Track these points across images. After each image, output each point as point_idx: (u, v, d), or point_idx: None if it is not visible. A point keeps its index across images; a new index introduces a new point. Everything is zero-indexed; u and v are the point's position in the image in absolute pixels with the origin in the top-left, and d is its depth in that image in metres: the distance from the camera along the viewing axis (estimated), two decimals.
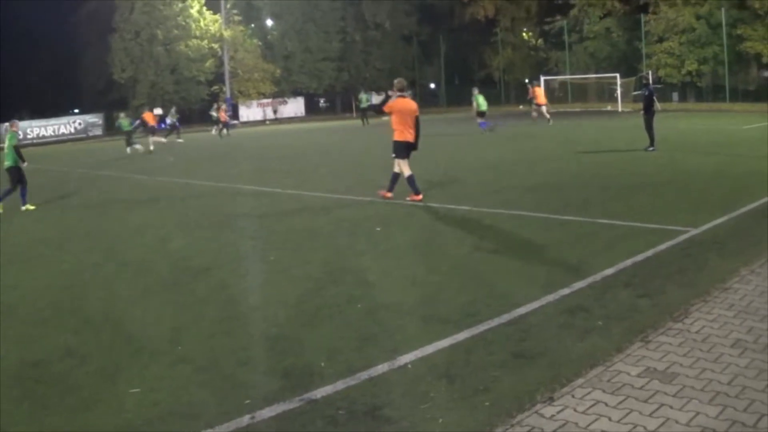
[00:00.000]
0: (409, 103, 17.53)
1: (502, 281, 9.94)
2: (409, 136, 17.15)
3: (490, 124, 40.62)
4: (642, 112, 26.90)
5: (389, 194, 17.57)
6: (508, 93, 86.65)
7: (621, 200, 16.02)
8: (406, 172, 17.22)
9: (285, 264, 11.75)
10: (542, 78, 68.12)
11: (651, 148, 25.56)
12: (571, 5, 74.89)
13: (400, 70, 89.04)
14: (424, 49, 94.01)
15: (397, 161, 17.35)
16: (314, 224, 15.28)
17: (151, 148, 43.42)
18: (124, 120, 45.46)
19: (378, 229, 14.14)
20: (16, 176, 20.81)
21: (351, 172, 24.70)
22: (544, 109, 48.07)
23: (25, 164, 21.12)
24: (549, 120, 46.31)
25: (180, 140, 53.66)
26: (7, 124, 22.65)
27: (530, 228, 13.40)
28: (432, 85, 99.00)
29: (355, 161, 28.62)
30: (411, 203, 16.93)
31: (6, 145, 20.99)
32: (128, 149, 42.35)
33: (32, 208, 20.73)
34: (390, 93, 18.01)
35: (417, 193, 17.20)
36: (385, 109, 17.36)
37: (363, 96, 64.65)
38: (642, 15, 68.60)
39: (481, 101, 41.09)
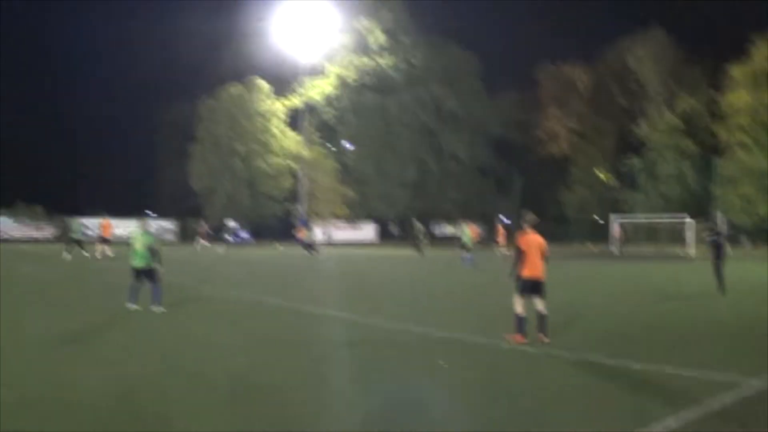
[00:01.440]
0: (538, 238, 16.99)
1: (560, 427, 9.77)
2: (538, 273, 16.59)
3: (471, 260, 42.48)
4: (712, 258, 26.72)
5: (522, 339, 16.31)
6: (581, 231, 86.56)
7: (690, 348, 15.69)
8: (519, 309, 16.40)
9: (349, 393, 11.72)
10: (612, 217, 68.15)
11: (721, 295, 25.31)
12: (646, 145, 75.24)
13: (474, 202, 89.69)
14: (499, 183, 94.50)
15: (516, 297, 16.57)
16: (380, 355, 15.21)
17: (98, 256, 45.06)
18: (76, 224, 46.72)
19: (442, 363, 14.00)
20: (151, 276, 21.01)
21: (417, 301, 24.64)
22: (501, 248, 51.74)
23: (162, 269, 21.28)
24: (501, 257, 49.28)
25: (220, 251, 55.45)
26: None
27: (593, 374, 13.19)
28: (506, 220, 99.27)
29: (427, 292, 28.48)
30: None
31: (143, 245, 21.04)
32: (65, 254, 43.60)
33: (163, 310, 20.73)
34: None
35: (521, 333, 16.33)
36: (520, 245, 16.67)
37: (417, 224, 62.78)
38: (715, 157, 68.64)
39: (467, 235, 42.82)
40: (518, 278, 16.66)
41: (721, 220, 60.27)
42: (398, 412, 10.44)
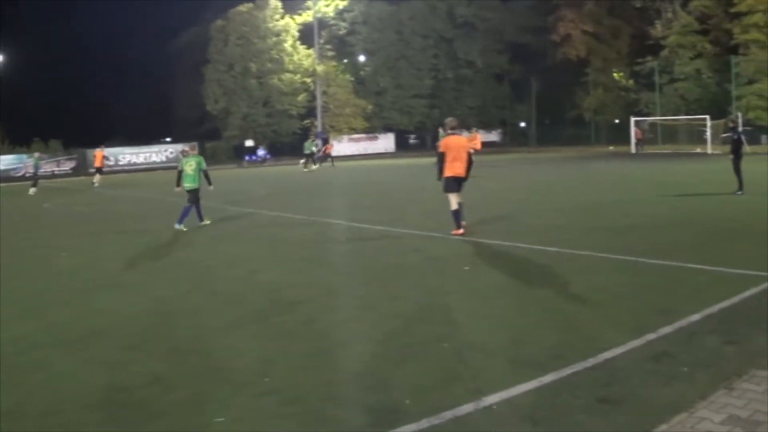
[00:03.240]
0: (460, 140, 18.67)
1: (589, 324, 9.87)
2: (460, 170, 18.01)
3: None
4: (730, 155, 26.58)
5: (460, 231, 18.09)
6: (599, 133, 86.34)
7: (710, 245, 15.83)
8: (454, 205, 18.15)
9: (373, 300, 11.82)
10: (632, 119, 67.95)
11: (740, 192, 25.25)
12: (662, 46, 74.86)
13: (491, 108, 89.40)
14: (515, 88, 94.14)
15: (447, 195, 18.24)
16: (403, 261, 15.33)
17: (95, 184, 46.86)
18: (35, 159, 47.65)
19: (466, 268, 14.13)
20: (196, 197, 22.47)
21: (440, 210, 24.66)
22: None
23: (212, 188, 23.21)
24: None
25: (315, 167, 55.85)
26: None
27: (619, 271, 13.29)
28: (522, 125, 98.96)
29: (445, 199, 28.44)
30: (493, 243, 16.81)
31: (194, 168, 22.36)
32: (31, 190, 43.94)
33: (209, 222, 22.86)
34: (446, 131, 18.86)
35: (458, 227, 18.15)
36: (441, 148, 18.39)
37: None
38: (732, 56, 68.22)
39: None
40: (442, 178, 18.23)
41: (739, 119, 60.08)
42: (426, 319, 10.56)
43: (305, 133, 77.27)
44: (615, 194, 27.95)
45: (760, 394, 7.03)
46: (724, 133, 37.12)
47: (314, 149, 60.01)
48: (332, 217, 23.66)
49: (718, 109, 65.72)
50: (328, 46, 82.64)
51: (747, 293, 11.00)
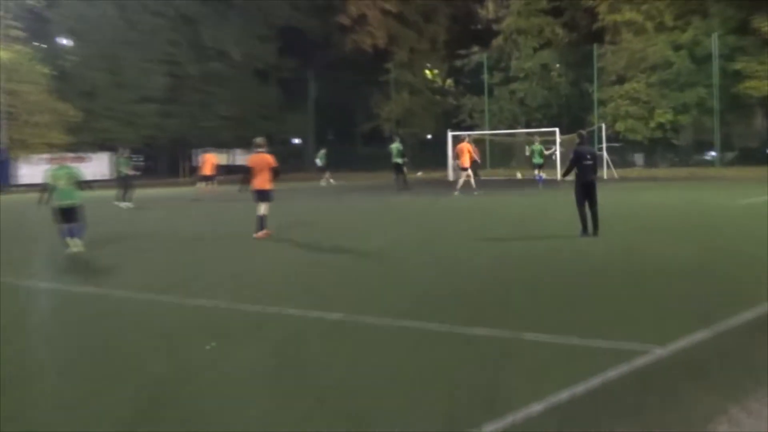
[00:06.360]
0: (264, 158, 28.66)
1: (380, 423, 9.78)
2: (265, 185, 28.26)
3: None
4: (576, 181, 26.52)
5: (263, 233, 28.19)
6: (404, 153, 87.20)
7: (556, 306, 16.07)
8: (261, 212, 28.21)
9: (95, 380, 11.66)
10: (450, 133, 67.90)
11: (585, 234, 25.98)
12: (495, 32, 75.64)
13: (253, 118, 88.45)
14: (287, 91, 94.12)
15: (258, 205, 28.17)
16: (117, 342, 14.73)
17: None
18: None
19: (209, 346, 13.66)
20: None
21: (167, 266, 24.18)
22: (468, 173, 50.85)
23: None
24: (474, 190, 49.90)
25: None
26: None
27: (425, 345, 13.34)
28: (297, 141, 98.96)
29: (187, 245, 28.15)
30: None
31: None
32: None
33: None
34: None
35: (261, 229, 28.24)
36: (248, 164, 28.57)
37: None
38: (595, 46, 69.26)
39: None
40: (250, 191, 28.66)
41: (603, 132, 60.67)
42: (158, 418, 10.35)
43: None
44: (421, 237, 28.51)
45: None
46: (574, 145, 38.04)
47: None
48: (11, 275, 23.00)
49: (573, 118, 67.12)
50: (14, 23, 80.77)
51: (609, 374, 11.14)
